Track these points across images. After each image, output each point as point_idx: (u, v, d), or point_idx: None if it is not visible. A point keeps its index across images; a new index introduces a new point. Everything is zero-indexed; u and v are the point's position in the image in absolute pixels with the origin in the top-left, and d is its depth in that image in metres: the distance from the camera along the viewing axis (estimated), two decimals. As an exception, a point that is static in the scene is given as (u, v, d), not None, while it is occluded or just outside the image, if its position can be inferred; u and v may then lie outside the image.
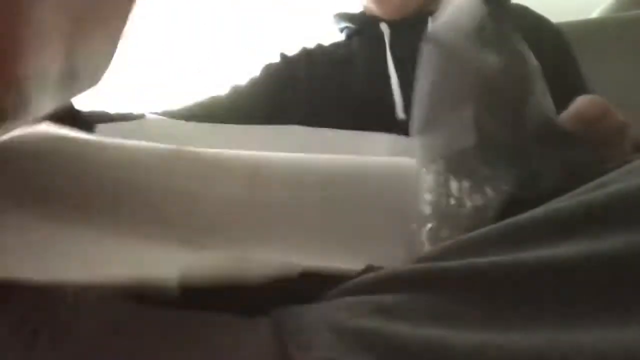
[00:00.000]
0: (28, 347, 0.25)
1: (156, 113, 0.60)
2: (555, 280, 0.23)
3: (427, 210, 0.34)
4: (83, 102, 0.48)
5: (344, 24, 0.74)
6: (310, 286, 0.32)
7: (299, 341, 0.25)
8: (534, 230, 0.26)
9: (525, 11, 0.73)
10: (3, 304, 0.25)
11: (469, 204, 0.35)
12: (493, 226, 0.28)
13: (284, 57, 0.72)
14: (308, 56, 0.71)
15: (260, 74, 0.70)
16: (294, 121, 0.57)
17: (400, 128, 0.56)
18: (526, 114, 0.42)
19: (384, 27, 0.68)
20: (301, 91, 0.66)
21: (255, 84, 0.70)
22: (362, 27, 0.72)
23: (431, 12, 0.67)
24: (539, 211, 0.27)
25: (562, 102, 0.52)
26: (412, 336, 0.23)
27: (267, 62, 0.72)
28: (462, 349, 0.22)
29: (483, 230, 0.28)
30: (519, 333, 0.22)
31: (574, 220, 0.25)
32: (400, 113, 0.59)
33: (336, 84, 0.65)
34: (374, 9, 0.71)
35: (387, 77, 0.62)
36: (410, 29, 0.66)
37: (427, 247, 0.33)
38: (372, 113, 0.60)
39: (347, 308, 0.26)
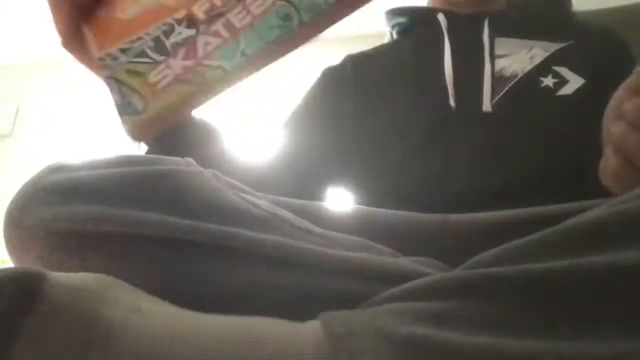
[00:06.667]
0: None
1: None
2: (616, 286, 0.22)
3: None
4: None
5: (396, 20, 0.74)
6: (359, 289, 0.32)
7: (349, 347, 0.25)
8: (593, 233, 0.25)
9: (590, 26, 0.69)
10: None
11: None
12: (547, 230, 0.27)
13: (326, 71, 0.74)
14: (354, 63, 0.73)
15: (307, 99, 0.73)
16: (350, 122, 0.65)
17: (452, 117, 0.58)
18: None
19: (441, 18, 0.68)
20: (349, 95, 0.68)
21: (305, 106, 0.72)
22: (417, 19, 0.72)
23: (488, 9, 0.68)
24: (597, 212, 0.26)
25: None
26: (465, 344, 0.22)
27: (313, 82, 0.74)
28: (518, 358, 0.21)
29: (537, 235, 0.27)
30: (578, 342, 0.21)
31: (638, 223, 0.24)
32: (452, 102, 0.59)
33: (390, 80, 0.67)
34: None
35: (442, 67, 0.62)
36: (467, 22, 0.66)
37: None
38: (426, 102, 0.61)
39: (397, 314, 0.26)
